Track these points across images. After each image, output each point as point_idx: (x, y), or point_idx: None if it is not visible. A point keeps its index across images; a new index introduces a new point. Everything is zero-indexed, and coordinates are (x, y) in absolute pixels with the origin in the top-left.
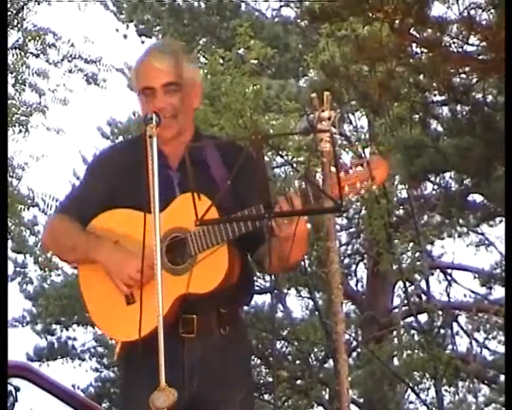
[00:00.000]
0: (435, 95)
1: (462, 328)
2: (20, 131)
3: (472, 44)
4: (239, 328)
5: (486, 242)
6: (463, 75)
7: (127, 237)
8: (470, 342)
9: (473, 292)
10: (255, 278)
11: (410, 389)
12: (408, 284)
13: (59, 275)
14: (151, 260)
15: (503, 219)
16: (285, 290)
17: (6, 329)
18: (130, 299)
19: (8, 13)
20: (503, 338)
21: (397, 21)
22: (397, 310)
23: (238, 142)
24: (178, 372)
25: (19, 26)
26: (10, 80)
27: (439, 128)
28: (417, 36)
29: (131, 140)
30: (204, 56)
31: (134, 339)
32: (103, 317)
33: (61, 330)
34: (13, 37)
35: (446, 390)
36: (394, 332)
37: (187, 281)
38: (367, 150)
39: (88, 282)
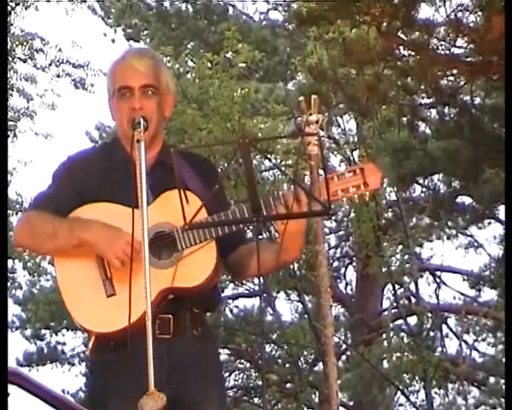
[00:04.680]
0: (423, 97)
1: (451, 330)
2: (8, 136)
3: (459, 47)
4: (208, 330)
5: (475, 244)
6: (451, 78)
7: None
8: (460, 345)
9: (462, 294)
10: (244, 282)
11: (399, 392)
12: (397, 286)
13: (48, 280)
14: (134, 247)
15: (492, 220)
16: (274, 294)
17: (6, 333)
18: (110, 291)
19: None
20: (492, 340)
21: (384, 24)
22: (386, 313)
23: (204, 156)
24: (156, 373)
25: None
26: None
27: (427, 131)
28: (405, 39)
29: (104, 144)
30: (192, 60)
31: (111, 331)
32: (80, 307)
33: (51, 335)
34: None
35: (436, 393)
36: (384, 335)
37: (171, 275)
38: (355, 153)
39: (65, 275)
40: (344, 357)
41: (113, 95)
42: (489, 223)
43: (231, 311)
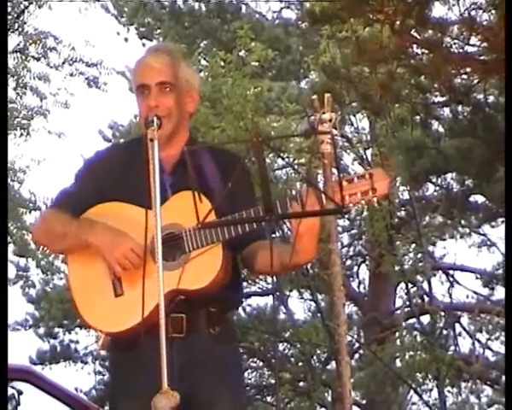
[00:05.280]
0: (436, 96)
1: (464, 329)
2: (22, 134)
3: (473, 45)
4: (228, 328)
5: (488, 242)
6: (464, 76)
7: (121, 224)
8: (473, 343)
9: (475, 293)
10: (257, 280)
11: (412, 391)
12: (410, 285)
13: (61, 278)
14: (141, 248)
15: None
16: (287, 292)
17: (6, 331)
18: (118, 290)
19: (9, 16)
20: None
21: (397, 23)
22: (399, 311)
23: (232, 151)
24: (168, 373)
25: (20, 29)
26: (11, 84)
27: (441, 129)
28: (418, 37)
29: (127, 142)
30: (205, 59)
31: (119, 331)
32: (89, 307)
33: (64, 334)
34: (14, 40)
35: (449, 391)
36: (397, 334)
37: (178, 277)
38: (368, 152)
39: (76, 273)
40: (357, 356)
41: (136, 93)
42: (502, 222)
43: (244, 309)
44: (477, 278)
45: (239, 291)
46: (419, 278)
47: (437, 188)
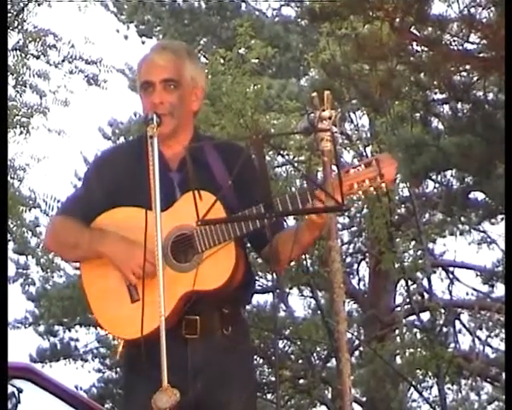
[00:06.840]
0: (436, 93)
1: (464, 326)
2: (21, 132)
3: (472, 42)
4: (241, 328)
5: (488, 239)
6: (464, 73)
7: (131, 231)
8: (473, 340)
9: (475, 290)
10: (257, 278)
11: (412, 388)
12: (410, 282)
13: (61, 276)
14: (154, 255)
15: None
16: (287, 290)
17: (6, 329)
18: (135, 296)
19: (9, 14)
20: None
21: (397, 20)
22: (399, 309)
23: (237, 142)
24: (182, 373)
25: (19, 27)
26: (11, 82)
27: (440, 126)
28: (418, 34)
29: (133, 141)
30: (205, 56)
31: (137, 337)
32: (107, 315)
33: (64, 332)
34: (13, 38)
35: (449, 388)
36: (396, 331)
37: (193, 278)
38: (368, 149)
39: (91, 280)
40: (357, 353)
41: (140, 90)
42: (502, 219)
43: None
44: (477, 275)
45: (250, 289)
46: (419, 275)
47: (437, 185)
